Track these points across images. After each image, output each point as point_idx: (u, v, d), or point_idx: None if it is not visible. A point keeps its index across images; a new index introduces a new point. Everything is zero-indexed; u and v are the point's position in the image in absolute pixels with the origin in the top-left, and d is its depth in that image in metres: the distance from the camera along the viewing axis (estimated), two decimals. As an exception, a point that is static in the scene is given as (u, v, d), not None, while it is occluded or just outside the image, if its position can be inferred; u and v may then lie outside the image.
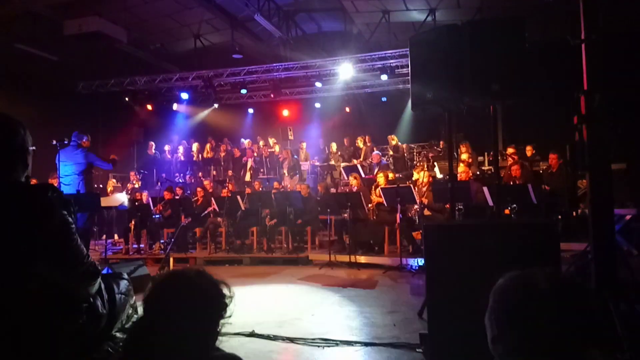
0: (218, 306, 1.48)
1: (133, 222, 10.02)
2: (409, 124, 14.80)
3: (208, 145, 14.36)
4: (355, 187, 9.03)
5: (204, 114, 16.02)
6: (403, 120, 14.78)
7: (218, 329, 1.49)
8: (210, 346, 1.47)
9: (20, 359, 1.69)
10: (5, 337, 1.67)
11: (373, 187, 9.10)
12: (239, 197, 9.68)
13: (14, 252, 1.72)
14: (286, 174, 12.60)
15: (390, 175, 9.67)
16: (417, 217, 8.37)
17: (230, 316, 1.50)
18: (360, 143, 13.25)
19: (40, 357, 1.74)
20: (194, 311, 1.42)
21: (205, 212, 10.11)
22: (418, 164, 12.38)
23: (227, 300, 1.51)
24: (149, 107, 14.81)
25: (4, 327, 1.67)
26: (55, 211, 1.84)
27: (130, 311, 2.52)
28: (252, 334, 4.15)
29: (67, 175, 7.50)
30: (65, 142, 7.63)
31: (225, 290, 1.52)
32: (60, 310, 1.81)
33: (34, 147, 2.02)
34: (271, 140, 14.10)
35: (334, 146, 13.61)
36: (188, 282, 1.49)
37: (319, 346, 3.88)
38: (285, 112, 16.14)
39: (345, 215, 8.39)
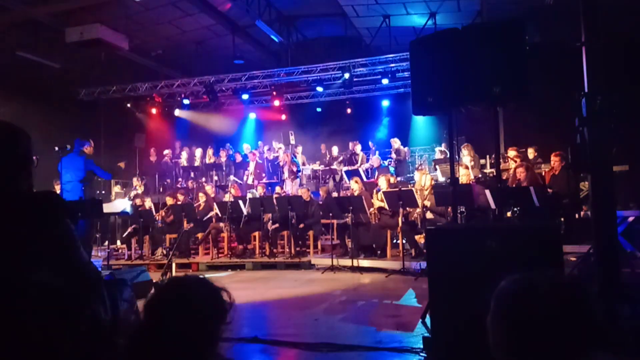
0: (218, 313, 1.49)
1: (132, 228, 10.05)
2: (410, 127, 14.80)
3: (210, 151, 14.37)
4: (357, 191, 9.03)
5: (205, 119, 16.05)
6: (405, 124, 14.78)
7: (218, 336, 1.49)
8: (210, 352, 1.48)
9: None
10: (6, 346, 1.67)
11: (374, 190, 9.09)
12: (241, 201, 9.69)
13: (15, 260, 1.72)
14: (287, 177, 12.58)
15: (392, 179, 9.67)
16: (419, 221, 8.35)
17: (230, 322, 1.51)
18: (357, 149, 13.22)
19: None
20: (194, 318, 1.43)
21: (207, 216, 10.12)
22: (420, 167, 12.36)
23: (227, 307, 1.51)
24: (151, 113, 14.85)
25: (4, 335, 1.67)
26: (57, 219, 1.84)
27: (132, 318, 2.51)
28: (254, 340, 4.14)
29: (68, 182, 7.54)
30: (68, 148, 7.69)
31: (226, 297, 1.52)
32: (62, 318, 1.81)
33: (37, 157, 2.03)
34: (276, 145, 14.09)
35: (335, 150, 13.60)
36: (188, 289, 1.49)
37: (321, 351, 3.87)
38: (286, 117, 16.18)
39: (347, 219, 8.39)
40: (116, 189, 12.47)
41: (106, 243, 10.30)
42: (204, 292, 1.49)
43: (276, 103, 14.36)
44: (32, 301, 1.73)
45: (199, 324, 1.43)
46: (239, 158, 13.80)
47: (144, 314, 1.48)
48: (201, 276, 1.56)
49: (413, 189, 8.31)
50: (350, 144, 13.80)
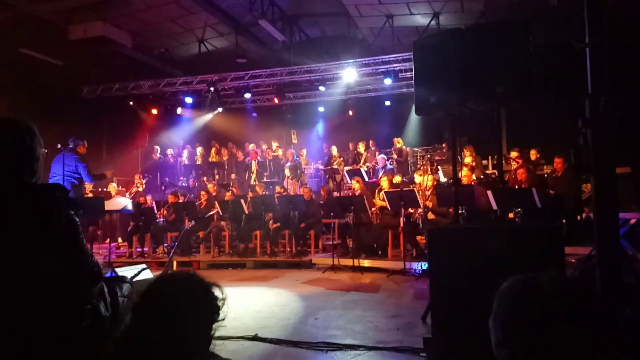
0: (209, 310, 1.44)
1: (132, 225, 10.05)
2: (412, 127, 14.79)
3: (212, 150, 14.38)
4: (358, 191, 9.02)
5: (208, 118, 16.05)
6: (407, 124, 14.77)
7: (211, 333, 1.45)
8: (203, 351, 1.43)
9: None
10: (8, 338, 1.67)
11: (377, 190, 9.08)
12: (242, 200, 9.69)
13: (19, 251, 1.72)
14: (288, 176, 12.55)
15: (397, 178, 9.65)
16: (420, 221, 8.35)
17: (224, 319, 1.46)
18: (361, 148, 13.19)
19: (44, 358, 1.74)
20: (184, 316, 1.38)
21: (209, 215, 10.11)
22: (421, 167, 12.34)
23: (219, 303, 1.46)
24: (154, 111, 14.85)
25: (6, 328, 1.67)
26: (62, 210, 1.84)
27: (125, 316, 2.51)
28: (255, 338, 4.14)
29: (55, 176, 7.68)
30: (71, 146, 7.83)
31: (218, 293, 1.47)
32: (64, 312, 1.81)
33: (45, 150, 2.04)
34: (274, 144, 14.09)
35: (334, 150, 13.57)
36: (176, 286, 1.45)
37: (322, 350, 3.87)
38: (289, 116, 16.17)
39: (349, 219, 8.38)
40: (114, 187, 12.36)
41: (107, 240, 10.32)
42: (194, 288, 1.44)
43: (275, 100, 14.35)
44: (32, 293, 1.73)
45: (189, 322, 1.39)
46: (241, 157, 13.80)
47: (132, 313, 1.43)
48: (190, 272, 1.51)
49: (415, 189, 8.29)
50: (351, 144, 13.79)
